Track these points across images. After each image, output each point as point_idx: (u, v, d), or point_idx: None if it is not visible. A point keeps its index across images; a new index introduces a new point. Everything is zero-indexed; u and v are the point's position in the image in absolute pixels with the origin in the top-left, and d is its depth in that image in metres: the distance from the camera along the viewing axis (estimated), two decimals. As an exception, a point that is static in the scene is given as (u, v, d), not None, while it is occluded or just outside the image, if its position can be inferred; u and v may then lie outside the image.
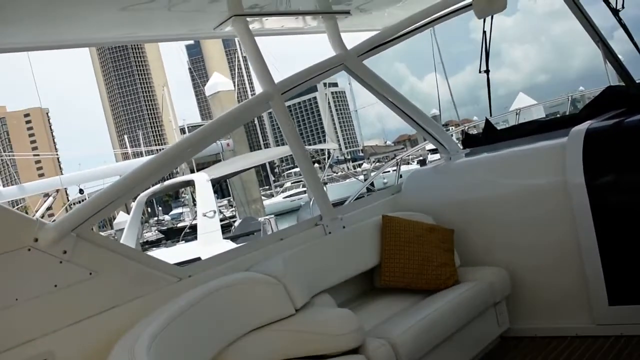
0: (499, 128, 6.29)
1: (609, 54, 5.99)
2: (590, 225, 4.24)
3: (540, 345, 4.42)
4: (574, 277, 4.40)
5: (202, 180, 13.26)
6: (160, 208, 46.34)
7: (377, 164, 43.18)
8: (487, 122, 6.04)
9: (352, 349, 3.41)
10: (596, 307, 4.32)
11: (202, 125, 4.36)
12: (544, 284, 4.58)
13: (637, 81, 6.08)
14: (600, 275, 4.25)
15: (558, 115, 10.14)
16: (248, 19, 4.34)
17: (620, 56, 6.13)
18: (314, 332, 3.46)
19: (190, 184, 14.38)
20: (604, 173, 4.23)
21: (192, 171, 17.93)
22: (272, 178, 70.56)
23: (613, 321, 4.25)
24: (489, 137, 5.75)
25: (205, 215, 12.56)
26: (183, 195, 29.95)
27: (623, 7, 5.67)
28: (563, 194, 4.36)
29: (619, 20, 5.78)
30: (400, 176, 12.76)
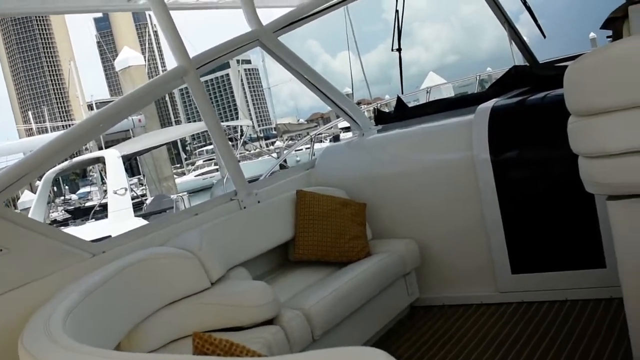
0: (410, 106, 6.46)
1: (514, 35, 6.24)
2: (495, 198, 4.45)
3: (448, 313, 4.62)
4: (480, 248, 4.61)
5: (113, 157, 12.98)
6: (66, 187, 45.02)
7: (290, 142, 43.14)
8: (399, 99, 6.19)
9: (268, 320, 3.48)
10: (500, 276, 4.55)
11: (111, 101, 4.28)
12: (452, 255, 4.78)
13: (540, 62, 6.37)
14: (503, 246, 4.48)
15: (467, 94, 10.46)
16: None
17: (526, 38, 6.40)
18: (230, 305, 3.51)
19: (100, 160, 14.05)
20: (507, 149, 4.43)
21: (100, 148, 17.52)
22: (183, 156, 69.63)
23: (515, 289, 4.50)
24: (400, 114, 5.89)
25: (116, 193, 12.32)
26: (91, 173, 29.20)
27: None
28: (470, 169, 4.54)
29: (524, 3, 6.03)
30: (314, 154, 12.86)
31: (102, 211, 14.49)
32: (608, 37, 4.41)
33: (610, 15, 3.98)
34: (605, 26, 4.12)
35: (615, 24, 3.98)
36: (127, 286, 3.27)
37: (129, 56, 25.31)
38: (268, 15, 5.12)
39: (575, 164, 2.93)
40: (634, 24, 3.71)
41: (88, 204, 24.56)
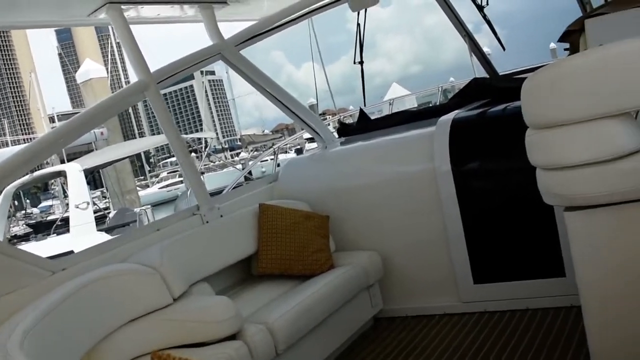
0: (373, 117, 6.50)
1: (475, 48, 6.33)
2: (456, 210, 4.50)
3: (412, 324, 4.64)
4: (442, 259, 4.65)
5: (75, 171, 12.84)
6: (28, 200, 44.25)
7: (255, 152, 43.02)
8: (361, 111, 6.23)
9: (231, 335, 3.46)
10: (462, 286, 4.59)
11: (73, 113, 4.24)
12: (415, 266, 4.81)
13: (500, 73, 6.47)
14: (465, 256, 4.53)
15: (430, 105, 10.56)
16: (123, 6, 4.23)
17: (488, 49, 6.49)
18: (192, 320, 3.48)
19: (62, 174, 13.88)
20: (468, 160, 4.48)
21: (62, 161, 17.30)
22: (147, 168, 69.02)
23: (477, 298, 4.54)
24: (362, 126, 5.92)
25: (77, 207, 12.17)
26: (53, 186, 28.77)
27: (487, 4, 6.01)
28: (431, 180, 4.58)
29: (484, 17, 6.12)
30: (278, 165, 12.85)
31: (64, 225, 14.28)
32: (566, 49, 4.48)
33: (568, 28, 4.04)
34: (562, 39, 4.19)
35: (572, 37, 4.05)
36: (88, 304, 3.22)
37: (91, 68, 25.07)
38: (230, 29, 5.12)
39: (535, 175, 2.97)
40: (590, 37, 3.77)
41: (50, 217, 24.16)
